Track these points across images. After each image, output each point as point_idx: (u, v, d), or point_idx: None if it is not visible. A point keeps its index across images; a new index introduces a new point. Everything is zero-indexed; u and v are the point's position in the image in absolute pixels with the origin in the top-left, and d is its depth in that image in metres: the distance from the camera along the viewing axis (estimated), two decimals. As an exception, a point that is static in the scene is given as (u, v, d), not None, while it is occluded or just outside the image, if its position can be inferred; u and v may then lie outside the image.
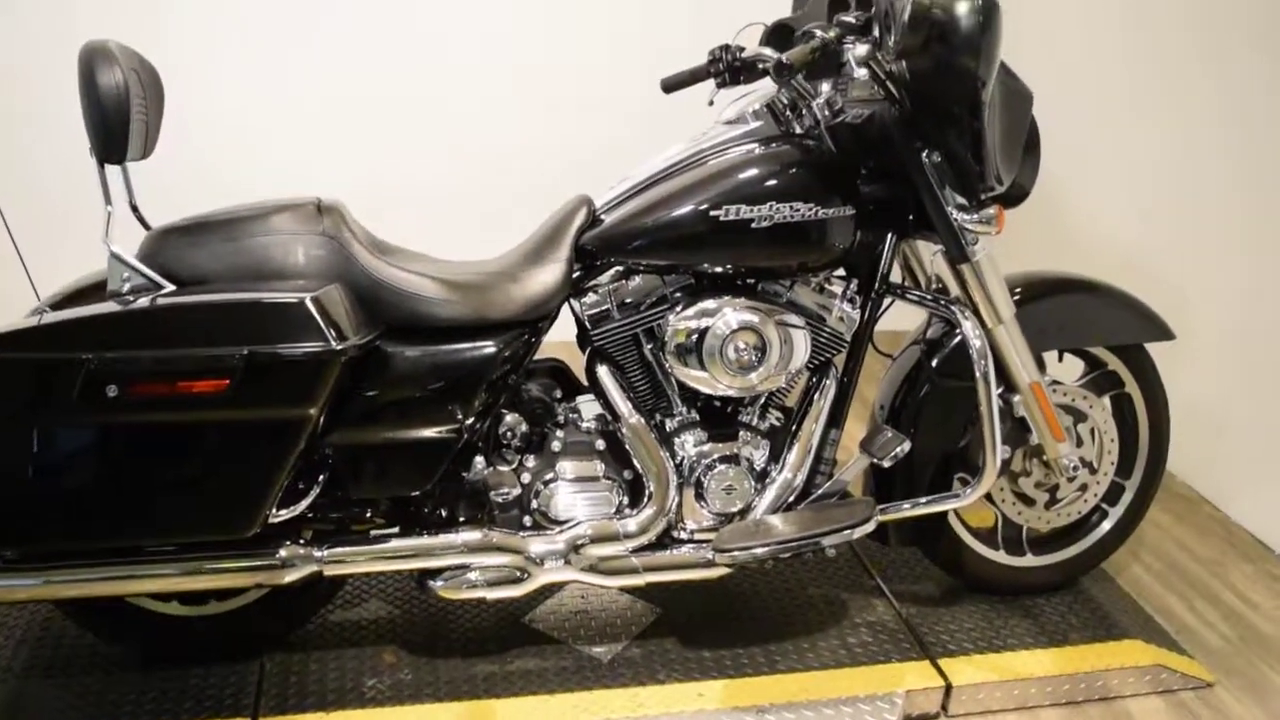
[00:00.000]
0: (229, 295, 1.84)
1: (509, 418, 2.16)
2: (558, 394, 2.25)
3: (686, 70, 2.28)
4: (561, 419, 2.21)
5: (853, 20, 1.96)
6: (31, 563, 1.92)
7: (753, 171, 2.06)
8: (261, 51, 3.73)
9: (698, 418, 2.21)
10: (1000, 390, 2.32)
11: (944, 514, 2.38)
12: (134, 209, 2.06)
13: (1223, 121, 3.07)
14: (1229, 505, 3.07)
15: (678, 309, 2.10)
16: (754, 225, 2.04)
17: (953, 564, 2.50)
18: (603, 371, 2.14)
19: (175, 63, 3.53)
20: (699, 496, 2.17)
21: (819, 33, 1.95)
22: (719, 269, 2.11)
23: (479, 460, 2.12)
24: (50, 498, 1.84)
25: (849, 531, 2.13)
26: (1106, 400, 2.47)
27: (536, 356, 2.21)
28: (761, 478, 2.21)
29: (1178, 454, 3.24)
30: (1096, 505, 2.53)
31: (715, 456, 2.17)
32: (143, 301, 1.84)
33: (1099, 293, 2.41)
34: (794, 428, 2.22)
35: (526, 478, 2.16)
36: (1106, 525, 2.55)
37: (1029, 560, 2.52)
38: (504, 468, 2.15)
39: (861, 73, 1.89)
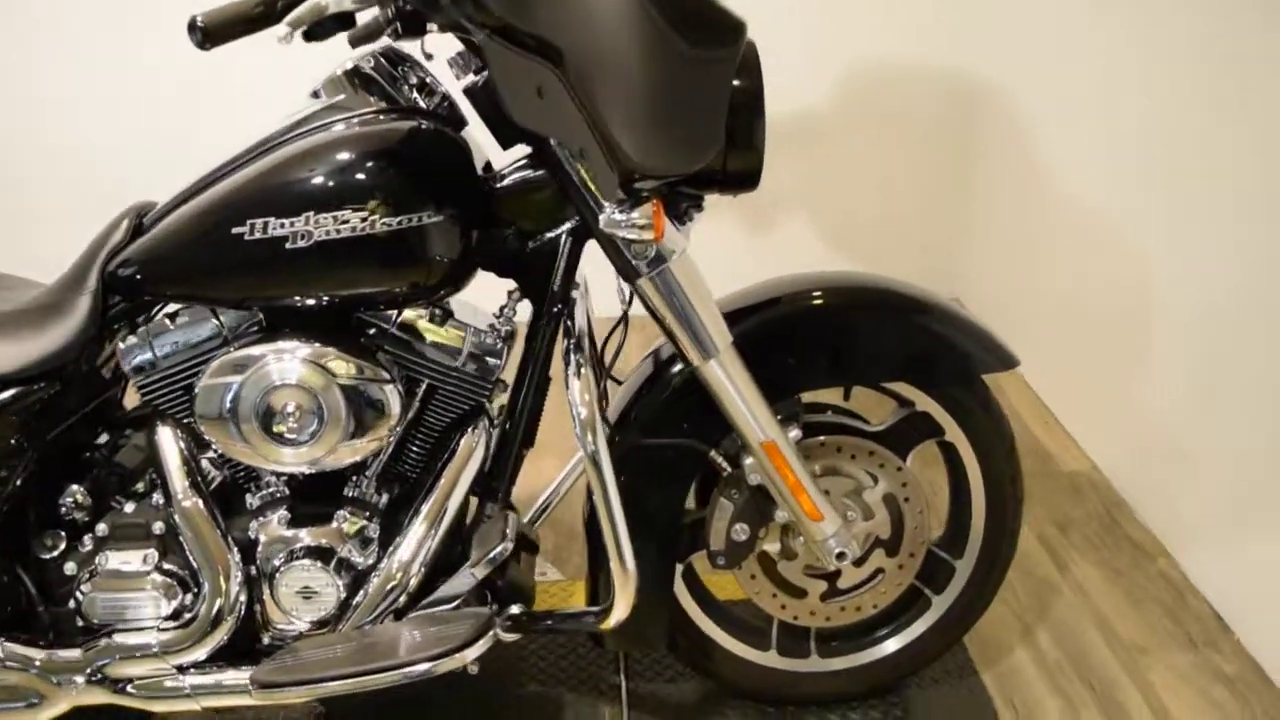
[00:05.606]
0: None
1: (73, 488, 1.67)
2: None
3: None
4: (142, 489, 1.71)
5: None
6: None
7: (298, 171, 1.46)
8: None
9: (287, 491, 1.66)
10: (735, 450, 1.69)
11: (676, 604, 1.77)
12: None
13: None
14: (1188, 557, 2.27)
15: (222, 356, 1.55)
16: (289, 245, 1.45)
17: (703, 667, 1.87)
18: (162, 435, 1.62)
19: None
20: (275, 601, 1.64)
21: None
22: (269, 303, 1.54)
23: None
24: None
25: (444, 659, 1.55)
26: (916, 453, 1.77)
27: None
28: (368, 573, 1.65)
29: (1140, 485, 2.49)
30: (917, 591, 1.85)
31: (295, 547, 1.62)
32: None
33: (897, 302, 1.70)
34: (419, 501, 1.64)
35: (71, 568, 1.67)
36: (928, 619, 1.86)
37: (814, 664, 1.86)
38: (44, 555, 1.67)
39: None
